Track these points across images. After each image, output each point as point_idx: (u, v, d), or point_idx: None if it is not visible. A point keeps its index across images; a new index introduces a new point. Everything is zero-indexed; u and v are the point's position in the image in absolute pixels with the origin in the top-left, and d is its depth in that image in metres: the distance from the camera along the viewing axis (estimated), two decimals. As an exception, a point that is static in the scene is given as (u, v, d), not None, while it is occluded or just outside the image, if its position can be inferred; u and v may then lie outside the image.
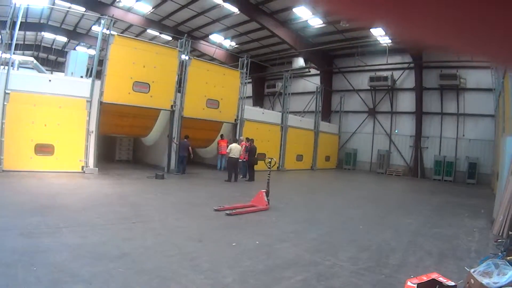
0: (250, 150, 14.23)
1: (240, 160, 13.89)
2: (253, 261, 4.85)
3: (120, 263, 4.34)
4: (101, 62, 13.22)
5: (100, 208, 7.27)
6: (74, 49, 30.54)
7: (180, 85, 15.04)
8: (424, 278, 3.77)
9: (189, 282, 3.93)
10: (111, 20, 12.70)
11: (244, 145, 14.20)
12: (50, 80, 11.98)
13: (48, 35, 27.27)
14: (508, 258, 4.27)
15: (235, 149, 13.61)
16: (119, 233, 5.66)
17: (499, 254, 4.89)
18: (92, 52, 26.23)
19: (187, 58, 15.06)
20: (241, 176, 14.20)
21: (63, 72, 20.87)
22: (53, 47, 30.88)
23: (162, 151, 15.58)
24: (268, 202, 8.71)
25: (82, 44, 29.83)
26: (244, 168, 14.38)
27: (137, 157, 18.96)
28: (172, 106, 14.57)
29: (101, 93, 12.47)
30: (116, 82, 12.80)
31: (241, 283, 4.05)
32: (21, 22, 11.95)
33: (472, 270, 3.89)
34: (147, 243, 5.28)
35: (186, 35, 15.75)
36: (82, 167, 12.21)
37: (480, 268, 3.84)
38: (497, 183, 9.77)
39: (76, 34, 27.89)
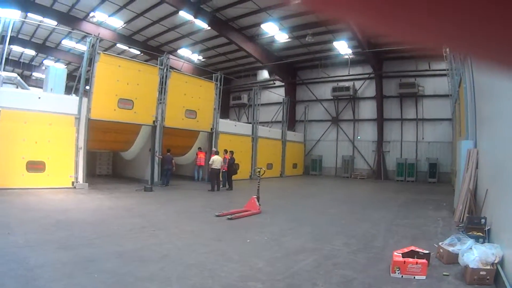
0: (230, 161, 15.16)
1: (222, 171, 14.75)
2: (270, 251, 5.93)
3: (166, 263, 5.10)
4: (80, 79, 13.46)
5: (114, 220, 7.89)
6: (42, 62, 29.75)
7: (161, 93, 15.56)
8: (406, 250, 5.09)
9: (231, 269, 4.90)
10: (97, 38, 13.12)
11: (224, 157, 15.10)
12: (39, 98, 12.14)
13: (16, 48, 26.44)
14: (468, 233, 5.73)
15: (217, 161, 14.40)
16: (148, 240, 6.38)
17: (460, 234, 6.34)
18: (60, 65, 25.92)
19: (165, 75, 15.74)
20: (221, 186, 15.04)
21: (31, 86, 20.54)
22: (21, 60, 29.83)
23: (144, 165, 16.04)
24: (260, 207, 9.81)
25: (50, 58, 29.16)
26: (224, 178, 15.23)
27: (116, 171, 19.18)
28: (154, 121, 15.20)
29: (89, 110, 12.85)
30: (103, 99, 13.24)
31: (271, 266, 5.12)
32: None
33: (440, 243, 5.28)
34: (177, 245, 6.10)
35: (166, 53, 16.44)
36: (73, 183, 12.47)
37: (446, 241, 5.25)
38: (456, 180, 11.31)
39: (45, 47, 27.22)
